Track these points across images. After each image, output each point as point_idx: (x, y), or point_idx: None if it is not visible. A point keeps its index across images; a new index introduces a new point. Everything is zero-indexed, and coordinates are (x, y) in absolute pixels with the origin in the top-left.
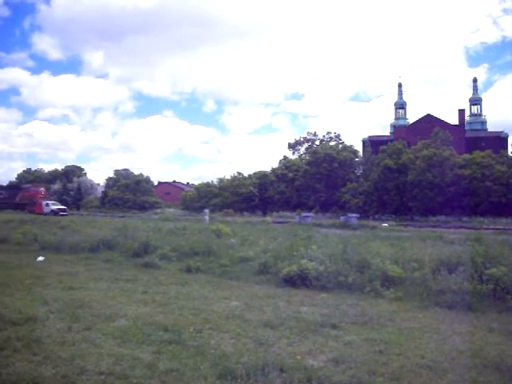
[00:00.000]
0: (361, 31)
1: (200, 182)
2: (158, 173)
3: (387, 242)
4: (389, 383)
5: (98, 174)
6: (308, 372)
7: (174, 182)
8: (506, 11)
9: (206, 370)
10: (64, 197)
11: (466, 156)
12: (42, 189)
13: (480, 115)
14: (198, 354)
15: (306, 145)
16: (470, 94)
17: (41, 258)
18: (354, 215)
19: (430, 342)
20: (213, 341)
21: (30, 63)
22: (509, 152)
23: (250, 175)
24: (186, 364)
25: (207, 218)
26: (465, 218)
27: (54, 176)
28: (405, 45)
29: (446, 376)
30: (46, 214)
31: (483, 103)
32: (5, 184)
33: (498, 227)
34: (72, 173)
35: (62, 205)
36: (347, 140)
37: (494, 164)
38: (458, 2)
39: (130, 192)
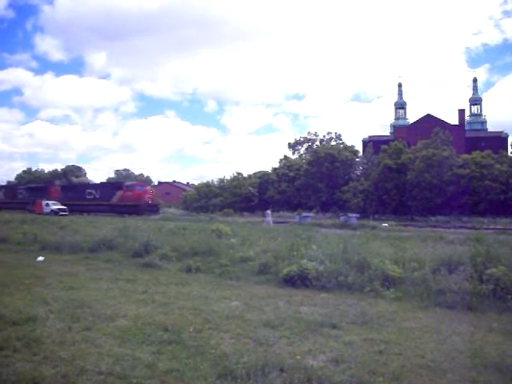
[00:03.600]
0: (361, 32)
1: (200, 182)
2: (158, 173)
3: (387, 242)
4: (389, 383)
5: (98, 174)
6: (308, 372)
7: (174, 182)
8: (507, 13)
9: (205, 370)
10: None
11: (466, 156)
12: (149, 187)
13: (480, 115)
14: (197, 354)
15: (306, 145)
16: (470, 94)
17: (41, 258)
18: (354, 215)
19: (430, 342)
20: (213, 341)
21: (33, 64)
22: (509, 152)
23: (250, 175)
24: (185, 364)
25: (270, 219)
26: (465, 218)
27: (54, 176)
28: (405, 46)
29: (445, 376)
30: (46, 214)
31: (483, 103)
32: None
33: (498, 227)
34: (72, 173)
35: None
36: (348, 140)
37: (494, 163)
38: (458, 4)
39: None
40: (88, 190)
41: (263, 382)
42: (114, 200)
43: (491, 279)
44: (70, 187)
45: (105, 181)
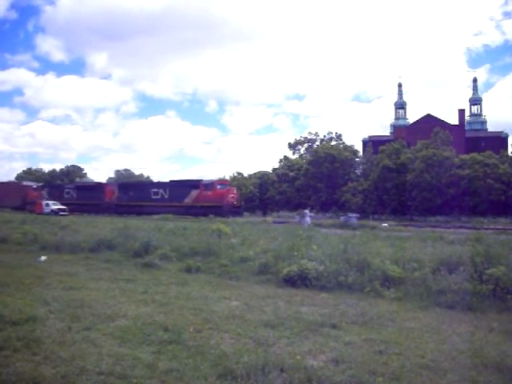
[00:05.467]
0: (362, 32)
1: None
2: (159, 173)
3: (387, 242)
4: (389, 383)
5: (99, 174)
6: (308, 372)
7: (113, 183)
8: (507, 14)
9: (205, 370)
10: None
11: (467, 156)
12: (233, 188)
13: (480, 115)
14: (197, 354)
15: (306, 145)
16: (470, 94)
17: (43, 258)
18: (354, 215)
19: (430, 342)
20: (213, 341)
21: (35, 64)
22: (509, 152)
23: (250, 175)
24: (185, 364)
25: (309, 220)
26: (465, 218)
27: (53, 176)
28: (405, 46)
29: (445, 376)
30: (46, 214)
31: (483, 103)
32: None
33: (498, 227)
34: (72, 173)
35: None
36: (348, 140)
37: (495, 163)
38: (459, 5)
39: None
40: (153, 190)
41: (263, 382)
42: (188, 201)
43: (491, 279)
44: (129, 186)
45: (176, 179)
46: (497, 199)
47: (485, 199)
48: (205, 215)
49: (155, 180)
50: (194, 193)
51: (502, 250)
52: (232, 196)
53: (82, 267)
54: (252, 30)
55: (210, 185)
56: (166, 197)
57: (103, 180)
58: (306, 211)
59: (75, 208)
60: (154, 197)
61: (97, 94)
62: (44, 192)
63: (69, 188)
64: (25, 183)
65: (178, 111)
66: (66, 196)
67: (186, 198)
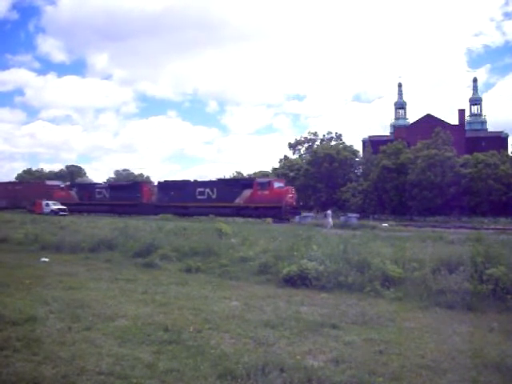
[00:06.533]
0: (362, 33)
1: None
2: (159, 173)
3: (387, 242)
4: (389, 383)
5: (99, 174)
6: (308, 372)
7: (152, 182)
8: (508, 15)
9: (205, 370)
10: None
11: (469, 156)
12: (291, 187)
13: (480, 115)
14: (198, 354)
15: (306, 145)
16: (470, 94)
17: (44, 259)
18: (354, 215)
19: (430, 342)
20: (213, 341)
21: (36, 65)
22: (509, 152)
23: (250, 175)
24: (186, 364)
25: (331, 221)
26: (465, 218)
27: (53, 176)
28: (406, 46)
29: (445, 376)
30: (46, 214)
31: (483, 103)
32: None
33: (498, 227)
34: (73, 173)
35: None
36: (348, 140)
37: (497, 163)
38: (459, 5)
39: None
40: (199, 189)
41: (263, 382)
42: (240, 201)
43: (491, 279)
44: (171, 185)
45: (225, 177)
46: (497, 199)
47: (485, 199)
48: (259, 217)
49: (155, 180)
50: (247, 192)
51: (502, 249)
52: (290, 196)
53: (82, 267)
54: (252, 30)
55: (265, 184)
56: (214, 197)
57: (103, 180)
58: (329, 212)
59: (108, 209)
60: (199, 197)
61: (97, 94)
62: (72, 192)
63: (101, 187)
64: (49, 182)
65: (178, 111)
66: (98, 196)
67: (236, 199)
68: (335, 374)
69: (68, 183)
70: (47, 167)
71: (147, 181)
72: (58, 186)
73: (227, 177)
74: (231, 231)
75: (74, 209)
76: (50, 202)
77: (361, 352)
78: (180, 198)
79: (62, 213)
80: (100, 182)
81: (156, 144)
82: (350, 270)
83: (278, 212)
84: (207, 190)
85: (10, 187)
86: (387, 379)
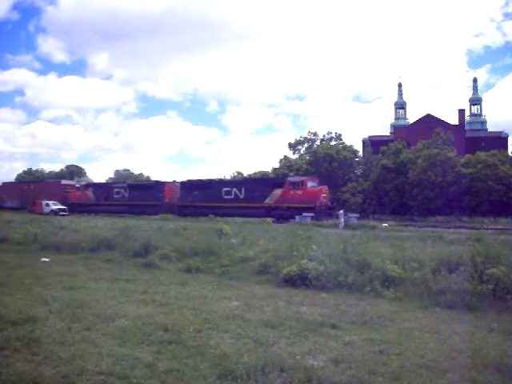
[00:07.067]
0: (362, 33)
1: None
2: (159, 173)
3: (387, 242)
4: (389, 383)
5: (99, 174)
6: (308, 372)
7: (174, 181)
8: (508, 16)
9: (205, 370)
10: None
11: (470, 156)
12: (325, 186)
13: (480, 115)
14: (198, 354)
15: (306, 145)
16: (470, 94)
17: (45, 259)
18: (354, 215)
19: (430, 342)
20: (213, 341)
21: (36, 65)
22: (509, 152)
23: (250, 175)
24: (186, 364)
25: (343, 221)
26: (465, 218)
27: (53, 176)
28: (406, 47)
29: (445, 376)
30: (46, 214)
31: (483, 103)
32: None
33: (498, 227)
34: (72, 173)
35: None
36: (348, 140)
37: (498, 164)
38: (460, 6)
39: None
40: (225, 189)
41: (263, 382)
42: (270, 201)
43: (491, 279)
44: (195, 185)
45: (252, 175)
46: (498, 199)
47: (486, 199)
48: (292, 218)
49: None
50: (278, 192)
51: (502, 249)
52: (325, 195)
53: (82, 267)
54: (252, 30)
55: (298, 183)
56: (242, 197)
57: (103, 180)
58: (341, 212)
59: (127, 210)
60: (225, 197)
61: (98, 94)
62: (89, 192)
63: (119, 187)
64: (64, 182)
65: (178, 111)
66: (116, 196)
67: (266, 199)
68: (335, 374)
69: (84, 183)
70: (47, 167)
71: (170, 181)
72: (74, 185)
73: (247, 176)
74: (231, 231)
75: (90, 209)
76: (50, 202)
77: (361, 352)
78: (205, 197)
79: (61, 213)
80: (120, 182)
81: (156, 144)
82: (349, 270)
83: (312, 212)
84: (234, 189)
85: (25, 187)
86: (387, 379)
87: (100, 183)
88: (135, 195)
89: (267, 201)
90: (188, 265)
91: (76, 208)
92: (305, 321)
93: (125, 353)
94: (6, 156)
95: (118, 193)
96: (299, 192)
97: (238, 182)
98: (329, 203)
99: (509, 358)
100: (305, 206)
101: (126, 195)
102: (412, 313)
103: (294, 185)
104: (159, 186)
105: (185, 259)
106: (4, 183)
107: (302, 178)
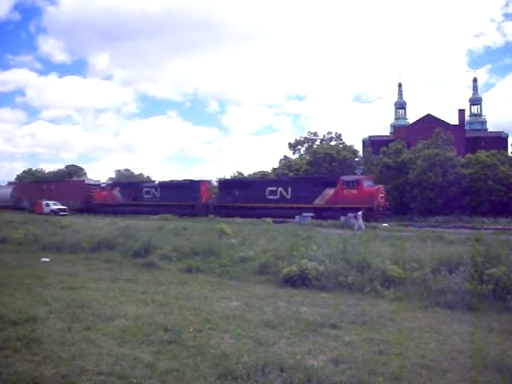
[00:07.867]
0: (362, 33)
1: None
2: (159, 173)
3: (387, 242)
4: (389, 383)
5: (99, 174)
6: (308, 372)
7: (209, 180)
8: (508, 16)
9: (205, 370)
10: None
11: (470, 155)
12: (381, 186)
13: (480, 115)
14: (198, 354)
15: (306, 145)
16: (470, 94)
17: (45, 260)
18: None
19: (430, 342)
20: (213, 341)
21: (37, 65)
22: (509, 152)
23: (250, 175)
24: (186, 364)
25: (362, 222)
26: (465, 218)
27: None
28: (406, 47)
29: (445, 376)
30: (46, 214)
31: (483, 103)
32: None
33: (498, 227)
34: (74, 173)
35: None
36: (348, 140)
37: (497, 164)
38: (460, 6)
39: None
40: (269, 188)
41: (263, 382)
42: (320, 202)
43: (491, 279)
44: (235, 184)
45: (299, 174)
46: (498, 199)
47: (486, 199)
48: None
49: (156, 180)
50: (329, 191)
51: (502, 249)
52: (382, 196)
53: (82, 267)
54: (253, 30)
55: (353, 182)
56: (288, 197)
57: (103, 179)
58: (360, 213)
59: (159, 210)
60: (270, 197)
61: (98, 94)
62: (115, 191)
63: (149, 187)
64: (88, 181)
65: (179, 111)
66: (146, 196)
67: (316, 199)
68: (335, 373)
69: (110, 182)
70: (47, 167)
71: (206, 180)
72: (99, 184)
73: (261, 176)
74: (231, 231)
75: (117, 210)
76: (50, 202)
77: (361, 352)
78: (246, 198)
79: (62, 213)
80: (153, 180)
81: (156, 144)
82: (349, 270)
83: (368, 214)
84: (280, 189)
85: (44, 187)
86: (387, 379)
87: (128, 182)
88: (168, 195)
89: (317, 201)
90: (188, 265)
91: (102, 209)
92: (305, 321)
93: (125, 353)
94: (6, 156)
95: (148, 192)
96: (354, 192)
97: (285, 181)
98: (387, 203)
99: (509, 358)
100: (360, 206)
101: (158, 195)
102: (412, 313)
103: (349, 184)
104: (194, 185)
105: (185, 259)
106: (21, 183)
107: (358, 177)
